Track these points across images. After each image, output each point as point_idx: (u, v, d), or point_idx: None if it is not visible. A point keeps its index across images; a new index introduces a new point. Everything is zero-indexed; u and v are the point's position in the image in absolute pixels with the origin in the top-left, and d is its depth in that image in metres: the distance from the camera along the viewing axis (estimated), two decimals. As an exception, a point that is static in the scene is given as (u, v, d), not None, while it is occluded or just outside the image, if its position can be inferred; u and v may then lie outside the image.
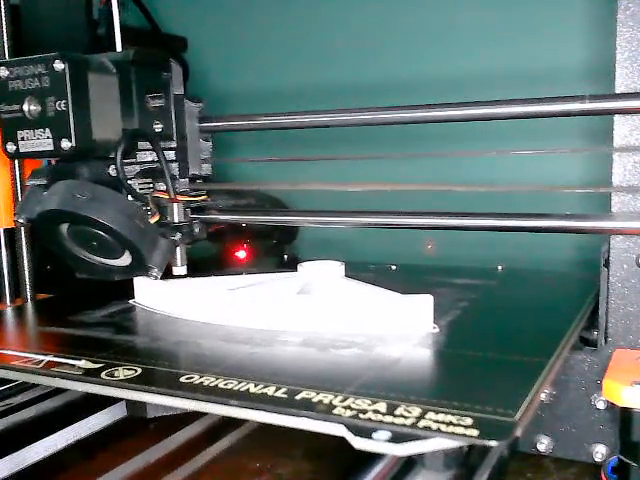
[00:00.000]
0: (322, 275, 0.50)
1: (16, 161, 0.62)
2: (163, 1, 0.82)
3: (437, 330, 0.43)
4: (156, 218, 0.50)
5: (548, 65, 0.67)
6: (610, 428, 0.42)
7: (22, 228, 0.62)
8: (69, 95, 0.46)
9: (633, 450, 0.37)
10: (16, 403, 0.48)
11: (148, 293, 0.53)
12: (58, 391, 0.50)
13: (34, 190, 0.49)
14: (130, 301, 0.54)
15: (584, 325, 0.45)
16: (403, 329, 0.43)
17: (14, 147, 0.49)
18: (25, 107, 0.48)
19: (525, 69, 0.68)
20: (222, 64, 0.84)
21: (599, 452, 0.43)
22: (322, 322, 0.44)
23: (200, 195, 0.55)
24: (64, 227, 0.49)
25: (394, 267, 0.65)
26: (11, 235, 0.63)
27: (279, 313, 0.46)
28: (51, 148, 0.47)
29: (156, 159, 0.53)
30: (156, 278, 0.49)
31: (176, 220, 0.54)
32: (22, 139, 0.49)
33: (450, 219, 0.47)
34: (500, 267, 0.62)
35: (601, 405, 0.42)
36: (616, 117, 0.42)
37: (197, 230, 0.55)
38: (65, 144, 0.47)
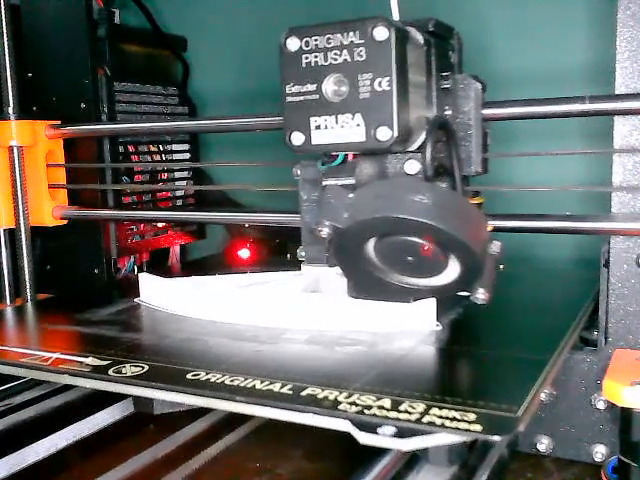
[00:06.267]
0: (326, 274, 0.50)
1: (16, 161, 0.61)
2: (163, 1, 0.82)
3: (440, 328, 0.43)
4: (490, 227, 0.41)
5: (548, 65, 0.67)
6: (610, 428, 0.42)
7: (22, 228, 0.62)
8: (394, 72, 0.37)
9: (633, 450, 0.37)
10: (16, 403, 0.48)
11: (153, 291, 0.52)
12: (59, 390, 0.50)
13: (338, 191, 0.41)
14: (135, 300, 0.53)
15: (584, 325, 0.45)
16: (407, 327, 0.43)
17: (303, 138, 0.40)
18: (325, 87, 0.39)
19: (525, 69, 0.68)
20: (222, 64, 0.84)
21: (599, 452, 0.43)
22: (327, 320, 0.44)
23: (477, 196, 0.47)
24: (371, 240, 0.41)
25: None
26: (11, 235, 0.63)
27: (284, 311, 0.46)
28: (362, 139, 0.39)
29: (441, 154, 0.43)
30: (484, 301, 0.40)
31: None
32: (317, 127, 0.40)
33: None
34: (501, 266, 0.62)
35: (601, 405, 0.42)
36: (616, 117, 0.42)
37: None
38: (383, 134, 0.38)
